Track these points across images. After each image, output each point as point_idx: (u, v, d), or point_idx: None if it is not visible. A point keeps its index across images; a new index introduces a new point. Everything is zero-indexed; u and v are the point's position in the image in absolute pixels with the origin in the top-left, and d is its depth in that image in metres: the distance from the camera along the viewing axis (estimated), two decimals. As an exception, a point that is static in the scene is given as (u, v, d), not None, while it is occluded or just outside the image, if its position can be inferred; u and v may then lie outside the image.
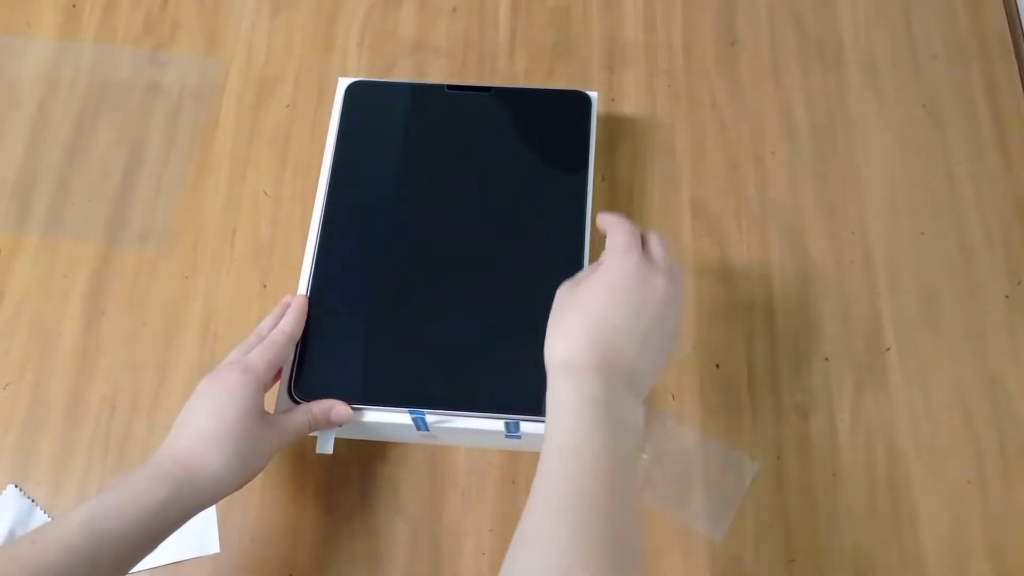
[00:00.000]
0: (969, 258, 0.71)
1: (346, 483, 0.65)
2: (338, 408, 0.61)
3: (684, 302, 0.58)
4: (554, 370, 0.54)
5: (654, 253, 0.56)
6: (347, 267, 0.66)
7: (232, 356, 0.61)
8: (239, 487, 0.56)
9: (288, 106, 0.78)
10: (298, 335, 0.63)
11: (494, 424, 0.61)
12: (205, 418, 0.56)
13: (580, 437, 0.51)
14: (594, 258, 0.70)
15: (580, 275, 0.57)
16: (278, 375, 0.62)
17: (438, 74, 0.78)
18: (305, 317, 0.64)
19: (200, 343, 0.69)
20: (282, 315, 0.64)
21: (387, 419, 0.62)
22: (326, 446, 0.61)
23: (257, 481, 0.60)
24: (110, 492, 0.53)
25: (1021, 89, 0.77)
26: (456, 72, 0.79)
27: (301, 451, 0.66)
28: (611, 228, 0.57)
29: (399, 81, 0.76)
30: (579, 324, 0.54)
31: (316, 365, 0.63)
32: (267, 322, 0.64)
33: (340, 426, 0.62)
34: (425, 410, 0.61)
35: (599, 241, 0.71)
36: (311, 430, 0.60)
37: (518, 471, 0.65)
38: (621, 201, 0.73)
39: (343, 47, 0.80)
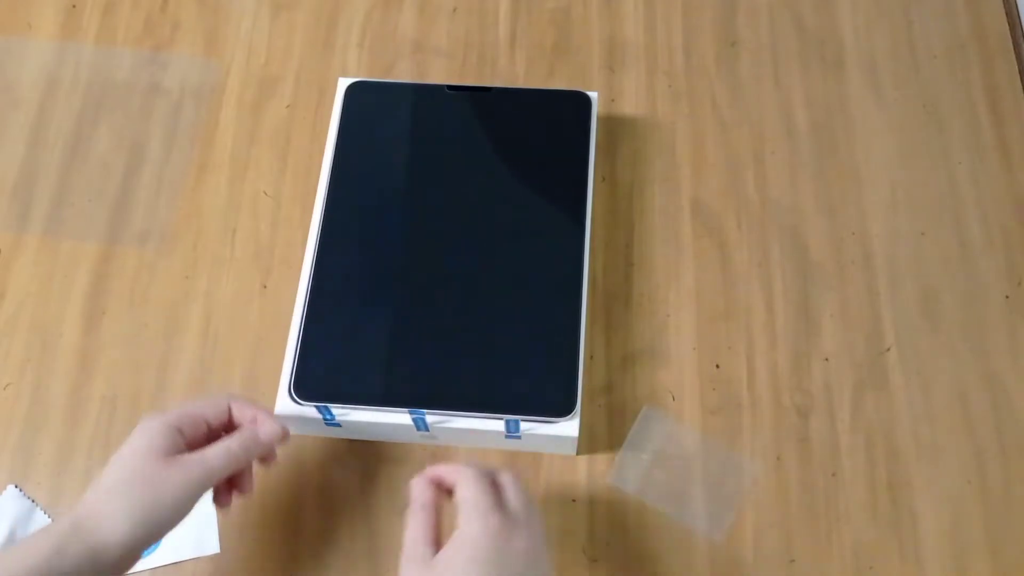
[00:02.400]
0: (969, 258, 0.71)
1: (346, 483, 0.65)
2: (265, 426, 0.56)
3: (547, 539, 0.53)
4: None
5: (511, 501, 0.52)
6: (347, 267, 0.66)
7: None
8: (144, 541, 0.51)
9: (288, 106, 0.78)
10: (220, 418, 0.56)
11: (494, 424, 0.61)
12: (105, 471, 0.53)
13: None
14: (594, 258, 0.70)
15: (417, 548, 0.51)
16: (202, 439, 0.56)
17: (438, 74, 0.78)
18: (250, 451, 0.56)
19: (200, 343, 0.69)
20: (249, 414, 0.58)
21: (387, 419, 0.62)
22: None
23: (257, 481, 0.60)
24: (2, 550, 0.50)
25: (1021, 89, 0.77)
26: (456, 72, 0.79)
27: (301, 451, 0.66)
28: (459, 482, 0.52)
29: (399, 82, 0.76)
30: None
31: (315, 365, 0.63)
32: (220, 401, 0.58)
33: (279, 442, 0.57)
34: (425, 410, 0.61)
35: (599, 242, 0.71)
36: (235, 464, 0.54)
37: (518, 471, 0.65)
38: (621, 201, 0.73)
39: (343, 47, 0.80)
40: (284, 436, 0.58)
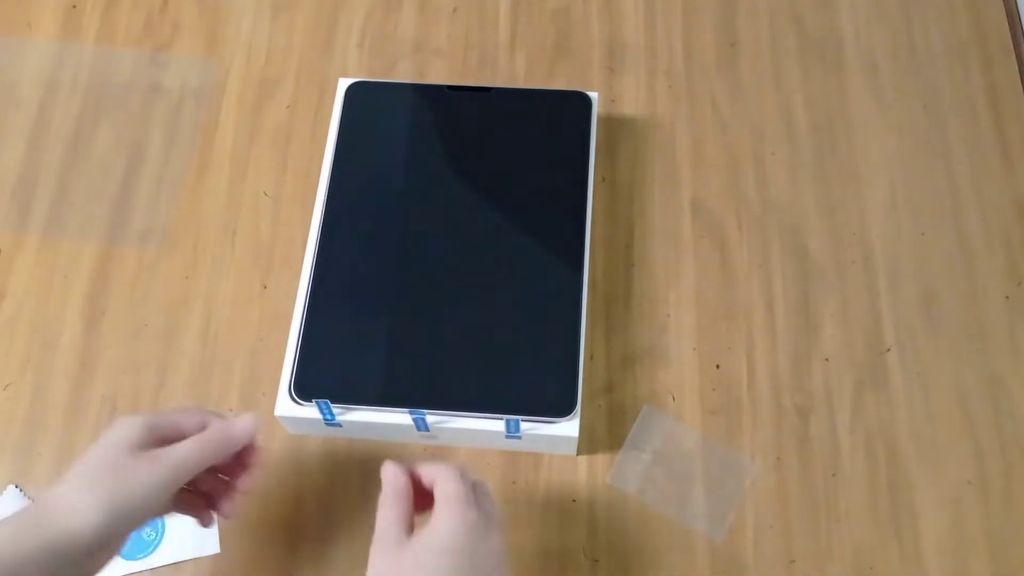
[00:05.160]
0: (969, 258, 0.71)
1: (346, 483, 0.65)
2: (240, 421, 0.54)
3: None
4: None
5: (485, 505, 0.51)
6: (347, 268, 0.66)
7: None
8: (114, 533, 0.49)
9: (288, 107, 0.78)
10: (196, 428, 0.54)
11: (494, 424, 0.61)
12: (75, 463, 0.51)
13: None
14: (594, 258, 0.70)
15: (391, 532, 0.50)
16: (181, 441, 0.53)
17: (438, 75, 0.78)
18: (222, 444, 0.54)
19: (200, 343, 0.69)
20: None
21: (387, 419, 0.62)
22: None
23: (257, 481, 0.60)
24: None
25: (1021, 89, 0.77)
26: (456, 73, 0.79)
27: (301, 452, 0.66)
28: (442, 477, 0.51)
29: (399, 82, 0.76)
30: None
31: (315, 365, 0.63)
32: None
33: (251, 438, 0.55)
34: (425, 410, 0.61)
35: (599, 242, 0.71)
36: (206, 457, 0.52)
37: (518, 471, 0.65)
38: (621, 202, 0.73)
39: (343, 48, 0.80)
40: (256, 428, 0.55)
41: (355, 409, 0.62)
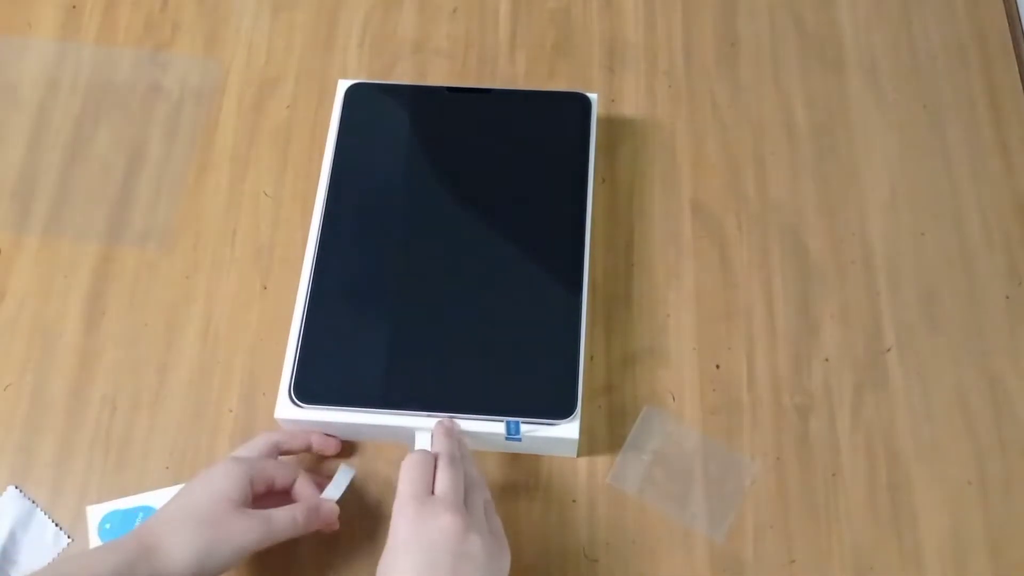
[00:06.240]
0: (969, 258, 0.71)
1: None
2: (324, 508, 0.59)
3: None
4: None
5: (439, 488, 0.54)
6: (347, 268, 0.66)
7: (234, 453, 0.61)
8: (196, 574, 0.54)
9: (288, 107, 0.78)
10: (288, 483, 0.60)
11: (494, 426, 0.61)
12: (176, 500, 0.56)
13: None
14: (594, 259, 0.70)
15: (418, 487, 0.54)
16: (274, 495, 0.60)
17: (438, 75, 0.78)
18: (310, 521, 0.59)
19: (200, 343, 0.69)
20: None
21: (387, 421, 0.62)
22: (334, 492, 0.61)
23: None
24: (66, 561, 0.53)
25: (1021, 89, 0.77)
26: (456, 73, 0.79)
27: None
28: (401, 472, 0.55)
29: (399, 83, 0.76)
30: None
31: (316, 368, 0.63)
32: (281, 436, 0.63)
33: (333, 524, 0.60)
34: (425, 412, 0.61)
35: (599, 242, 0.71)
36: (295, 532, 0.58)
37: (518, 473, 0.65)
38: (621, 202, 0.73)
39: (343, 48, 0.80)
40: (335, 516, 0.61)
41: (355, 411, 0.62)
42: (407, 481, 0.54)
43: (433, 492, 0.54)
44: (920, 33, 0.79)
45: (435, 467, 0.55)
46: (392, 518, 0.54)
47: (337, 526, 0.61)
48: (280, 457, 0.62)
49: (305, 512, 0.58)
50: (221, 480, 0.56)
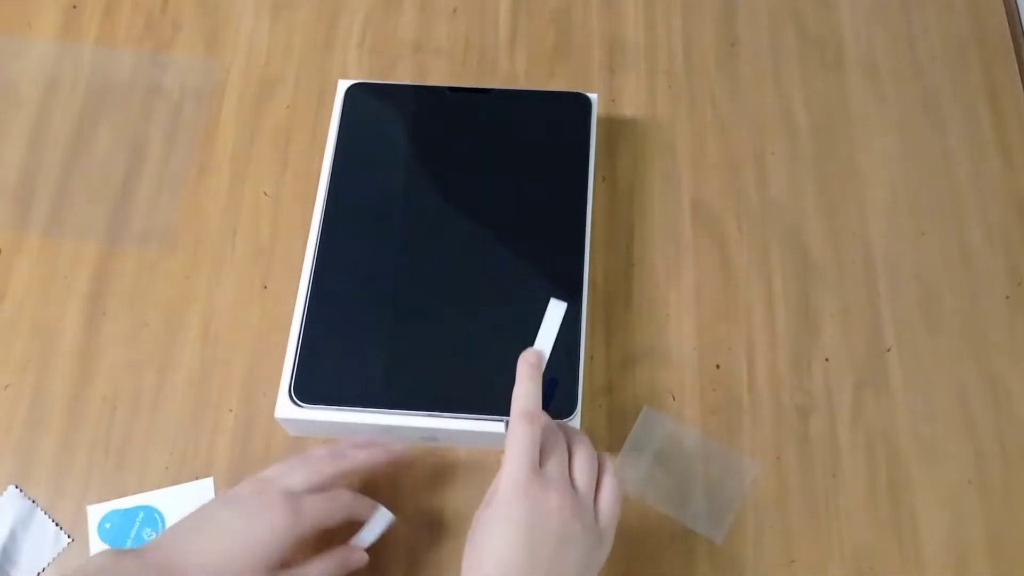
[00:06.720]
0: (969, 258, 0.71)
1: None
2: (353, 558, 0.58)
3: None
4: None
5: (548, 469, 0.51)
6: (347, 269, 0.66)
7: (284, 477, 0.57)
8: None
9: (288, 107, 0.78)
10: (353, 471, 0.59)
11: (494, 426, 0.61)
12: (209, 533, 0.53)
13: None
14: (594, 259, 0.70)
15: (488, 497, 0.52)
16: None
17: (438, 75, 0.78)
18: (340, 569, 0.57)
19: (200, 343, 0.69)
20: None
21: (387, 421, 0.62)
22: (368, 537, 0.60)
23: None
24: None
25: (1021, 89, 0.77)
26: (456, 73, 0.79)
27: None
28: (507, 442, 0.52)
29: (398, 83, 0.76)
30: None
31: (316, 368, 0.63)
32: (325, 451, 0.59)
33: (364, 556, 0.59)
34: (425, 412, 0.61)
35: (599, 242, 0.71)
36: None
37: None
38: (621, 202, 0.73)
39: (343, 48, 0.80)
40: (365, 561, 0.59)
41: (355, 411, 0.62)
42: (519, 445, 0.51)
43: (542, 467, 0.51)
44: (920, 33, 0.79)
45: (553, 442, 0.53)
46: (499, 482, 0.51)
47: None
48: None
49: (337, 565, 0.57)
50: (265, 534, 0.53)
